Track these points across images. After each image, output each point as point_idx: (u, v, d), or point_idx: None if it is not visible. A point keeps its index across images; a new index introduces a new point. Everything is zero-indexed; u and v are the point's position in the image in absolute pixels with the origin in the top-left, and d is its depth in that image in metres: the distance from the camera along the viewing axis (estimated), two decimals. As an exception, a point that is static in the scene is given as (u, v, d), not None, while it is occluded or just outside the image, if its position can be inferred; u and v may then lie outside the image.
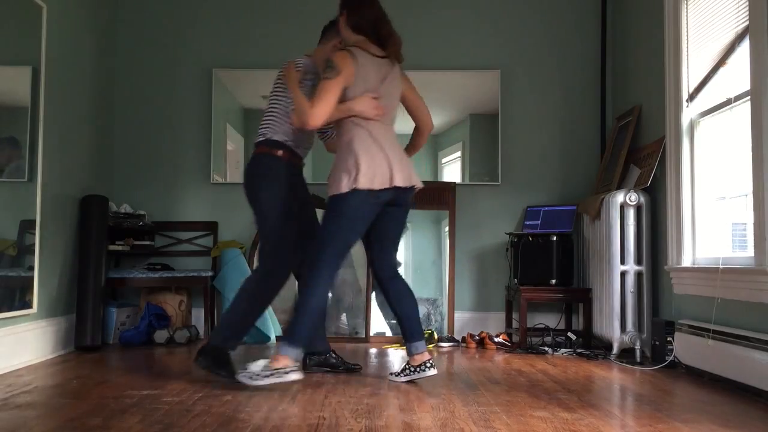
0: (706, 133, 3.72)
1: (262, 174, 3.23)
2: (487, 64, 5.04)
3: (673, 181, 3.86)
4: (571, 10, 5.06)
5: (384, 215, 3.19)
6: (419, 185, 3.22)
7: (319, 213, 4.79)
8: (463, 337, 4.66)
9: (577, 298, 4.60)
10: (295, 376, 2.93)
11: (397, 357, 4.10)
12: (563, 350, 4.26)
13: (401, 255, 5.11)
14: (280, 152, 3.24)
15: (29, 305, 3.69)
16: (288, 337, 2.95)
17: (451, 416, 2.52)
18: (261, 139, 3.29)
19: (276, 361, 2.93)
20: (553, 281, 4.53)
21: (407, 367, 3.21)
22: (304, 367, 3.47)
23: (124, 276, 4.58)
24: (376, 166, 3.03)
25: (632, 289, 4.04)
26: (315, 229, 3.35)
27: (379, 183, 3.02)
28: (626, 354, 4.01)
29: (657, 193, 4.11)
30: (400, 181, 3.06)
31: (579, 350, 4.22)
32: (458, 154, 5.09)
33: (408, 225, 5.05)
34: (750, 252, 3.20)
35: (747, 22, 3.19)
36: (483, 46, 5.08)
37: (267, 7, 5.12)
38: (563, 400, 2.82)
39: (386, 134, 3.16)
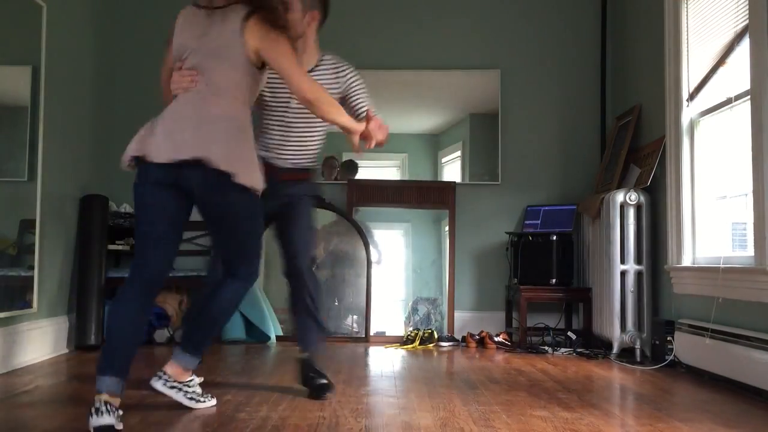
0: (706, 133, 3.72)
1: None
2: (487, 63, 5.03)
3: (673, 180, 3.86)
4: (571, 10, 5.06)
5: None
6: (197, 156, 2.28)
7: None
8: (464, 337, 4.66)
9: (577, 297, 4.60)
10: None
11: (397, 356, 4.10)
12: (563, 350, 4.26)
13: (401, 255, 5.12)
14: None
15: (29, 305, 3.68)
16: None
17: (451, 416, 2.52)
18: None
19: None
20: (553, 281, 4.53)
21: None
22: None
23: (125, 275, 4.51)
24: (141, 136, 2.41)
25: (632, 289, 4.04)
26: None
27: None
28: (626, 353, 4.01)
29: (657, 193, 4.11)
30: (156, 154, 2.35)
31: (579, 350, 4.22)
32: (458, 153, 5.09)
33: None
34: (750, 251, 3.20)
35: (747, 22, 3.19)
36: (483, 46, 5.08)
37: (267, 6, 5.11)
38: (563, 400, 2.82)
39: (184, 101, 2.39)
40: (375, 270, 4.84)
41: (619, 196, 4.07)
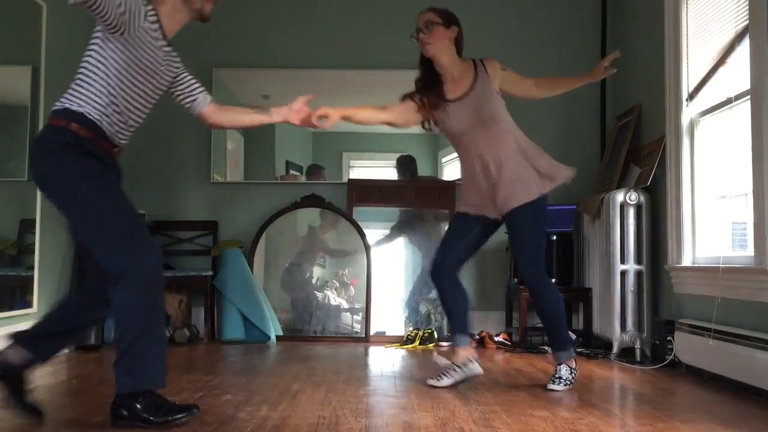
0: (706, 133, 3.72)
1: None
2: (487, 63, 5.02)
3: (673, 180, 3.86)
4: (571, 10, 5.06)
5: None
6: None
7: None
8: (463, 337, 4.65)
9: (577, 297, 4.59)
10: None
11: (397, 356, 4.10)
12: (563, 350, 4.25)
13: (400, 254, 5.12)
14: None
15: (29, 305, 3.69)
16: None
17: (451, 415, 2.52)
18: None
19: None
20: (553, 280, 4.51)
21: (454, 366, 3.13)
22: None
23: (124, 276, 4.57)
24: None
25: (632, 289, 4.04)
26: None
27: None
28: (626, 353, 4.00)
29: (657, 193, 4.11)
30: None
31: (579, 349, 4.21)
32: (458, 153, 5.09)
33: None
34: (750, 251, 3.19)
35: (747, 22, 3.19)
36: (483, 46, 5.05)
37: (267, 5, 5.12)
38: (563, 400, 2.82)
39: None
40: (375, 271, 4.85)
41: (619, 196, 4.06)
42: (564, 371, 3.06)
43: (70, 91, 2.36)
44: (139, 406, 2.24)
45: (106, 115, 2.34)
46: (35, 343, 2.41)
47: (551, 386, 3.03)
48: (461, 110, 3.11)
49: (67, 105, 2.33)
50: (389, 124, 3.20)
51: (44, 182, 2.34)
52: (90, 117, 2.31)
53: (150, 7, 2.36)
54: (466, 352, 3.13)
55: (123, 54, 2.30)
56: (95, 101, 2.32)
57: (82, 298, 2.51)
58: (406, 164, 5.11)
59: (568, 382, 3.05)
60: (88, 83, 2.33)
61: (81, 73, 2.35)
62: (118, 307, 2.26)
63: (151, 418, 2.24)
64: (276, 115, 2.77)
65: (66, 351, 2.52)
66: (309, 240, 5.03)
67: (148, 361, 2.27)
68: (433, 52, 3.12)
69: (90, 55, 2.33)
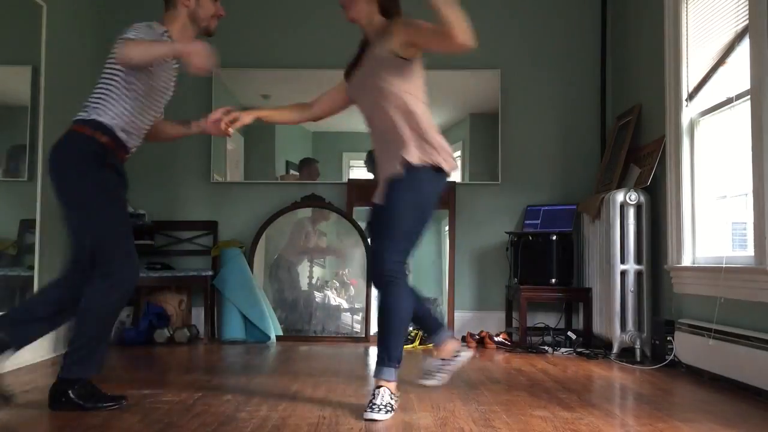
0: (706, 132, 3.72)
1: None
2: (488, 63, 5.03)
3: (673, 180, 3.86)
4: (571, 10, 5.06)
5: None
6: None
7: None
8: (463, 337, 4.66)
9: (577, 297, 4.60)
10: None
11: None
12: (563, 349, 4.26)
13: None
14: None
15: (29, 305, 3.68)
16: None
17: (451, 415, 2.52)
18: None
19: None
20: (553, 280, 4.53)
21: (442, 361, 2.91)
22: None
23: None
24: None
25: (632, 289, 4.04)
26: None
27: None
28: (626, 353, 4.01)
29: (657, 193, 4.11)
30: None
31: (579, 349, 4.22)
32: (458, 153, 5.09)
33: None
34: (750, 251, 3.20)
35: (747, 22, 3.19)
36: (483, 45, 5.02)
37: (267, 5, 5.12)
38: (563, 400, 2.82)
39: None
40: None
41: (619, 196, 4.06)
42: (386, 396, 2.52)
43: (95, 102, 2.59)
44: (72, 392, 2.53)
45: (126, 131, 2.63)
46: (11, 328, 2.58)
47: (369, 415, 2.46)
48: (357, 76, 2.76)
49: (94, 116, 2.57)
50: (319, 119, 2.95)
51: (65, 185, 2.58)
52: (114, 130, 2.58)
53: (164, 30, 2.69)
54: (453, 344, 2.90)
55: (144, 82, 2.62)
56: (119, 118, 2.59)
57: (64, 290, 2.66)
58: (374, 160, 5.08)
59: (390, 409, 2.50)
60: (112, 101, 2.58)
61: (106, 88, 2.59)
62: (92, 301, 2.54)
63: (83, 403, 2.52)
64: (195, 127, 2.97)
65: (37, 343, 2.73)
66: (296, 233, 5.02)
67: (97, 354, 2.59)
68: (352, 16, 2.72)
69: (115, 78, 2.59)
